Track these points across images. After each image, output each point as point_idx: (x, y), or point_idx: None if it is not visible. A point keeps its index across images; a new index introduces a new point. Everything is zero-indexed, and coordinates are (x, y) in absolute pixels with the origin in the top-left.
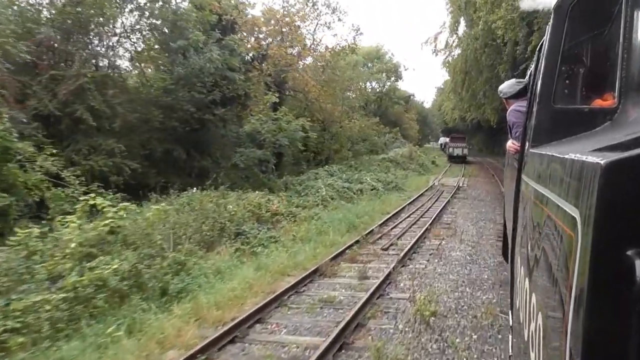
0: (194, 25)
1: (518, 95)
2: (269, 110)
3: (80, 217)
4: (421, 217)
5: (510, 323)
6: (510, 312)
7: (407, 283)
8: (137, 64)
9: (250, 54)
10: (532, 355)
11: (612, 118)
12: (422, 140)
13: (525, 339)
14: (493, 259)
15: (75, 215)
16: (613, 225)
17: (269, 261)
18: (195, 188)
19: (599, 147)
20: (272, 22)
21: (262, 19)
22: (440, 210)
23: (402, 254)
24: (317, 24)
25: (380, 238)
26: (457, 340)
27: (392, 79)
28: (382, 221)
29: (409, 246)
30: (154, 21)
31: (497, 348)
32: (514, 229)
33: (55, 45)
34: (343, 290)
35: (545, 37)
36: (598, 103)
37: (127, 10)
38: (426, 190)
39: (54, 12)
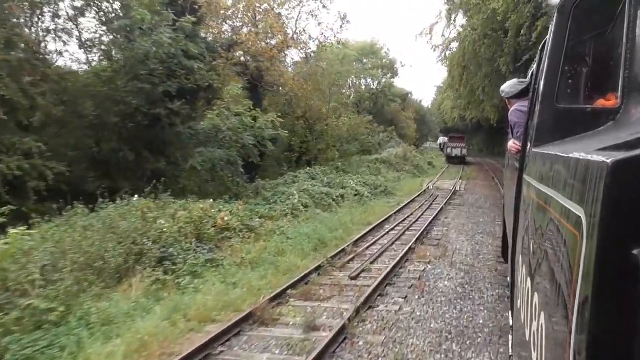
0: (140, 3)
1: (520, 95)
2: (241, 106)
3: None
4: (407, 229)
5: (511, 323)
6: (510, 312)
7: (369, 339)
8: (88, 50)
9: (220, 41)
10: (534, 355)
11: (615, 118)
12: (420, 140)
13: (527, 338)
14: (492, 291)
15: None
16: (619, 224)
17: (193, 299)
18: (136, 195)
19: (604, 147)
20: (241, 5)
21: (229, 1)
22: (431, 220)
23: (372, 287)
24: (300, 11)
25: (351, 260)
26: None
27: (389, 75)
28: (359, 236)
29: (384, 274)
30: None
31: None
32: (515, 229)
33: None
34: (277, 352)
35: (548, 37)
36: (601, 103)
37: None
38: (419, 195)
39: None
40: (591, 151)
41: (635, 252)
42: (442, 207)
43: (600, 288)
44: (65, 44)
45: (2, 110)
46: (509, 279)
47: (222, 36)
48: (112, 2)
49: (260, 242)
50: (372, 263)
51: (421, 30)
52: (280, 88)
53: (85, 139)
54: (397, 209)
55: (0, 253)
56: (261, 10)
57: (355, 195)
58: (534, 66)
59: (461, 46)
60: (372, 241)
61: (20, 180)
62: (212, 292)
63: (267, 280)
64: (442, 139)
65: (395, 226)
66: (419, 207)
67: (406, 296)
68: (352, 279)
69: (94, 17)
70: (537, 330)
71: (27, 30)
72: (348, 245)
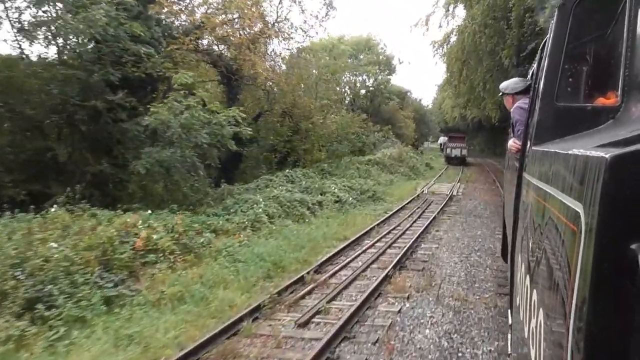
0: None
1: (525, 91)
2: (192, 98)
3: None
4: (390, 246)
5: (510, 322)
6: (509, 311)
7: None
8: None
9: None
10: (532, 352)
11: (615, 116)
12: (419, 140)
13: (525, 336)
14: (488, 344)
15: None
16: (617, 219)
17: None
18: (55, 205)
19: (602, 143)
20: None
21: None
22: (420, 234)
23: (321, 344)
24: None
25: (307, 294)
26: None
27: (385, 72)
28: (328, 256)
29: (344, 318)
30: None
31: None
32: (514, 228)
33: None
34: None
35: (548, 36)
36: (601, 101)
37: None
38: (411, 201)
39: None
40: (590, 147)
41: (633, 246)
42: (434, 216)
43: (598, 283)
44: None
45: None
46: (508, 281)
47: (180, 19)
48: None
49: (197, 268)
50: (332, 300)
51: (416, 21)
52: (256, 80)
53: None
54: (383, 218)
55: None
56: None
57: (336, 202)
58: (534, 65)
59: (460, 38)
60: (342, 264)
61: None
62: (89, 354)
63: (180, 329)
64: (443, 139)
65: (376, 242)
66: (409, 216)
67: None
68: (299, 326)
69: None
70: (536, 327)
71: None
72: (309, 272)
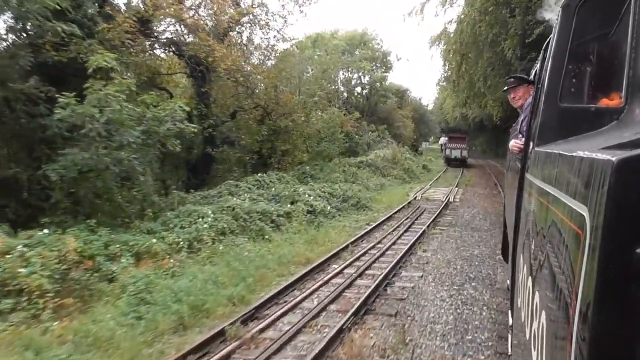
0: None
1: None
2: (112, 85)
3: None
4: (361, 275)
5: (510, 322)
6: (510, 311)
7: None
8: None
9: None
10: (534, 354)
11: (619, 117)
12: (418, 141)
13: (527, 337)
14: None
15: None
16: (624, 222)
17: None
18: None
19: (608, 146)
20: None
21: None
22: (403, 256)
23: None
24: None
25: None
26: None
27: (382, 69)
28: (276, 291)
29: None
30: None
31: None
32: (516, 228)
33: None
34: None
35: (552, 35)
36: (605, 102)
37: None
38: (400, 210)
39: None
40: (595, 150)
41: (639, 250)
42: (424, 230)
43: (603, 288)
44: None
45: None
46: (508, 281)
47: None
48: None
49: (79, 317)
50: None
51: (410, 9)
52: (228, 73)
53: None
54: (363, 232)
55: None
56: None
57: (309, 212)
58: (537, 65)
59: (458, 28)
60: (291, 304)
61: None
62: None
63: None
64: (443, 140)
65: (345, 267)
66: (394, 229)
67: None
68: None
69: None
70: (538, 329)
71: None
72: (237, 320)
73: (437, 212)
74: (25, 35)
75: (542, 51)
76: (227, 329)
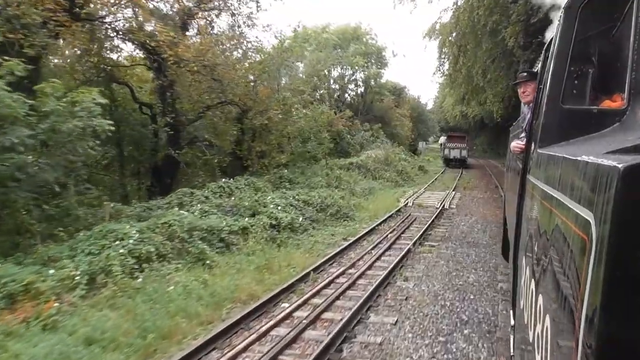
0: None
1: None
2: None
3: None
4: (312, 323)
5: (512, 323)
6: (511, 311)
7: None
8: None
9: None
10: (538, 357)
11: (621, 119)
12: (416, 140)
13: (531, 340)
14: None
15: None
16: (630, 229)
17: None
18: None
19: (613, 150)
20: None
21: None
22: (377, 288)
23: None
24: None
25: None
26: None
27: (377, 65)
28: (179, 358)
29: None
30: None
31: None
32: (517, 228)
33: None
34: None
35: (554, 37)
36: (607, 104)
37: None
38: (385, 220)
39: None
40: (600, 154)
41: None
42: (409, 248)
43: (609, 294)
44: None
45: None
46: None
47: None
48: None
49: None
50: None
51: None
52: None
53: None
54: (334, 252)
55: None
56: None
57: (272, 226)
58: (539, 66)
59: (454, 16)
60: None
61: None
62: None
63: None
64: (443, 139)
65: (298, 307)
66: (374, 247)
67: None
68: None
69: None
70: (542, 332)
71: None
72: None
73: (428, 222)
74: None
75: (543, 52)
76: None
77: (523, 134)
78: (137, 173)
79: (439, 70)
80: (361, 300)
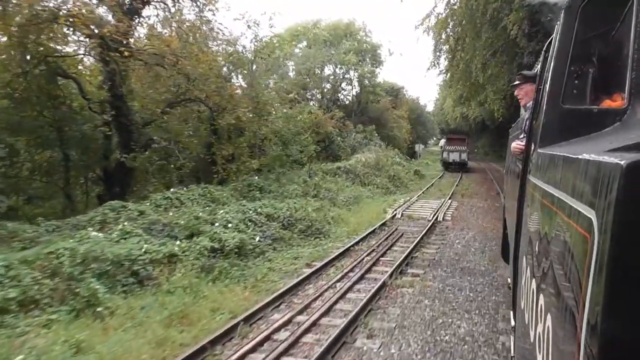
0: None
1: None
2: None
3: None
4: None
5: (513, 323)
6: (512, 312)
7: None
8: None
9: None
10: (539, 357)
11: (622, 119)
12: (415, 143)
13: (532, 340)
14: None
15: None
16: (633, 227)
17: None
18: None
19: (614, 148)
20: None
21: None
22: (326, 352)
23: None
24: None
25: None
26: None
27: (372, 63)
28: None
29: None
30: None
31: None
32: (518, 228)
33: None
34: None
35: (554, 37)
36: (607, 104)
37: None
38: (365, 237)
39: None
40: (601, 152)
41: None
42: (385, 281)
43: (612, 293)
44: None
45: None
46: (510, 280)
47: None
48: None
49: None
50: None
51: None
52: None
53: None
54: (288, 286)
55: None
56: None
57: (213, 251)
58: (539, 66)
59: (450, 3)
60: None
61: None
62: None
63: None
64: (443, 142)
65: None
66: (342, 278)
67: None
68: None
69: None
70: (543, 332)
71: None
72: None
73: (416, 240)
74: None
75: (543, 52)
76: None
77: (523, 135)
78: (85, 180)
79: (435, 65)
80: None
